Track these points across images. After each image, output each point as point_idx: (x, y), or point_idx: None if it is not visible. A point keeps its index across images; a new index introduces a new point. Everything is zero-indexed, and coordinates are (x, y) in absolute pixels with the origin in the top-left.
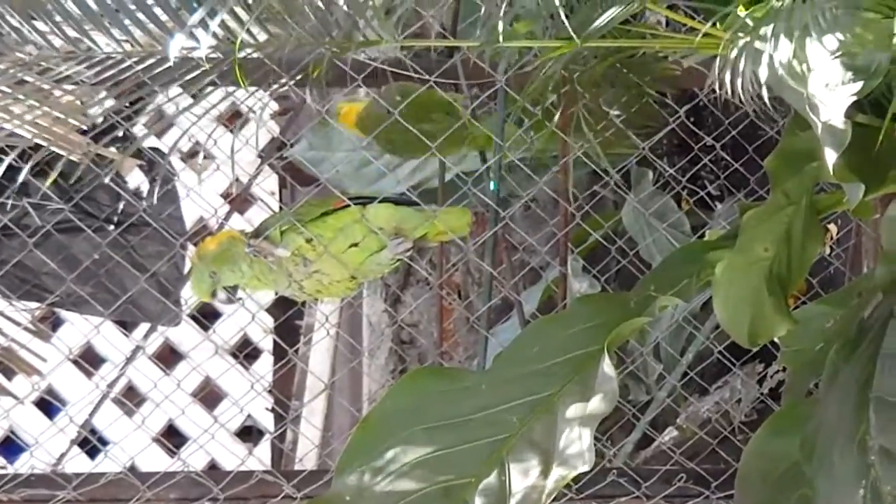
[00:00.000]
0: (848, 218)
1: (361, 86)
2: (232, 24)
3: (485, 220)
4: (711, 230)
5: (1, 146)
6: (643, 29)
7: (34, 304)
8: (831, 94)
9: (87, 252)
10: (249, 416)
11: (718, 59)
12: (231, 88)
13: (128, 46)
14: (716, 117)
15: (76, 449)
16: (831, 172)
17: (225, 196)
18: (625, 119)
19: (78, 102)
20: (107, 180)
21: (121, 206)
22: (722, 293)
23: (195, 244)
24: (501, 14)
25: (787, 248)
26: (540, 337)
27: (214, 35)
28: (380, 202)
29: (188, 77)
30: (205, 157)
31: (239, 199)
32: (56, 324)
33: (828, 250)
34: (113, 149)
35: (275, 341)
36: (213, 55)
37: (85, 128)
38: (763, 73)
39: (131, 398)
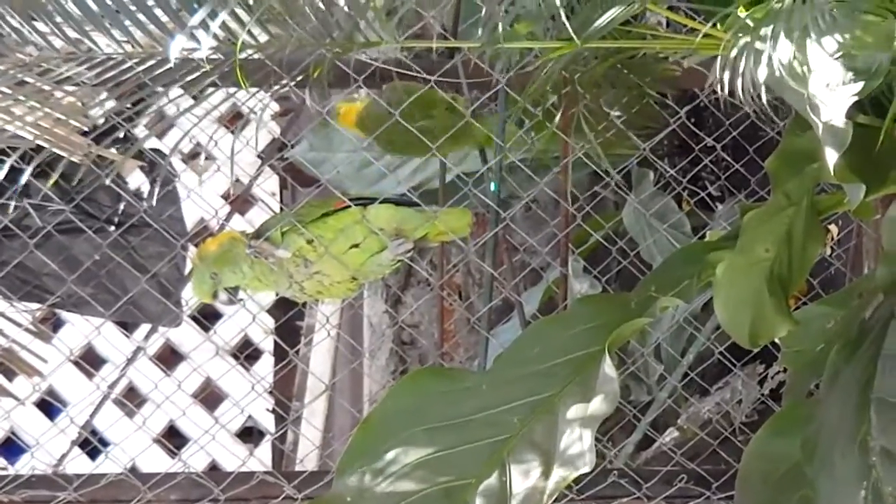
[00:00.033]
0: (849, 218)
1: (362, 86)
2: (233, 25)
3: (486, 221)
4: (712, 231)
5: (2, 147)
6: (644, 30)
7: (35, 305)
8: (832, 94)
9: (87, 253)
10: (250, 416)
11: (719, 59)
12: (232, 89)
13: (128, 47)
14: (716, 118)
15: (77, 450)
16: (832, 173)
17: (226, 197)
18: (625, 120)
19: (79, 104)
20: (108, 181)
21: (121, 207)
22: (723, 294)
23: (196, 245)
24: (502, 15)
25: (788, 249)
26: (541, 337)
27: (215, 36)
28: (380, 203)
29: (189, 78)
30: (206, 159)
31: (240, 200)
32: (57, 325)
33: (828, 251)
34: (114, 150)
35: (275, 342)
36: (213, 56)
37: (86, 129)
38: (763, 74)
39: (132, 399)
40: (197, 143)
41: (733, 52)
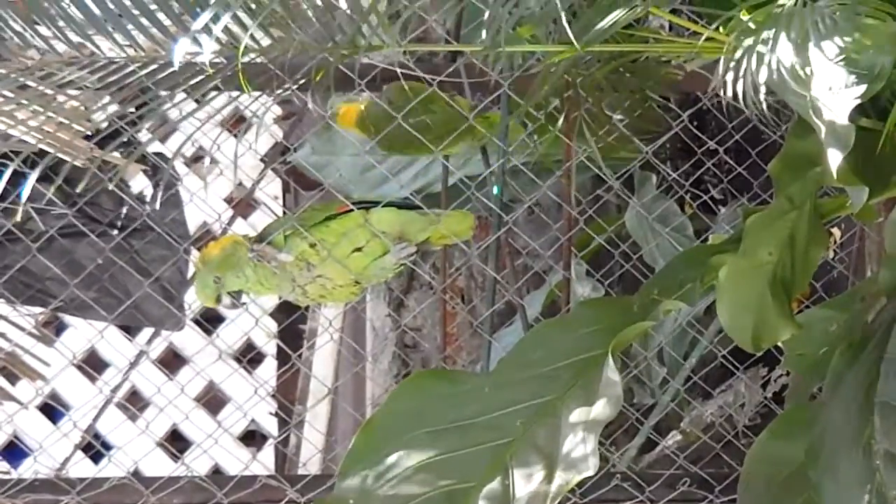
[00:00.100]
0: (851, 222)
1: (365, 90)
2: (235, 29)
3: (488, 225)
4: (715, 234)
5: (5, 151)
6: (646, 33)
7: (38, 309)
8: (834, 97)
9: (90, 257)
10: (253, 420)
11: (721, 63)
12: (234, 93)
13: (131, 51)
14: (719, 121)
15: (80, 454)
16: (835, 176)
17: (228, 200)
18: (628, 123)
19: (82, 108)
20: (111, 186)
21: (124, 210)
22: (726, 298)
23: (199, 249)
24: (505, 18)
25: (791, 253)
26: (543, 341)
27: (218, 40)
28: (383, 206)
29: (192, 82)
30: (209, 162)
31: (242, 204)
32: (60, 328)
33: (831, 254)
34: (117, 154)
35: (278, 346)
36: (216, 60)
37: (89, 133)
38: (765, 77)
39: (135, 403)
40: (200, 146)
41: (736, 56)
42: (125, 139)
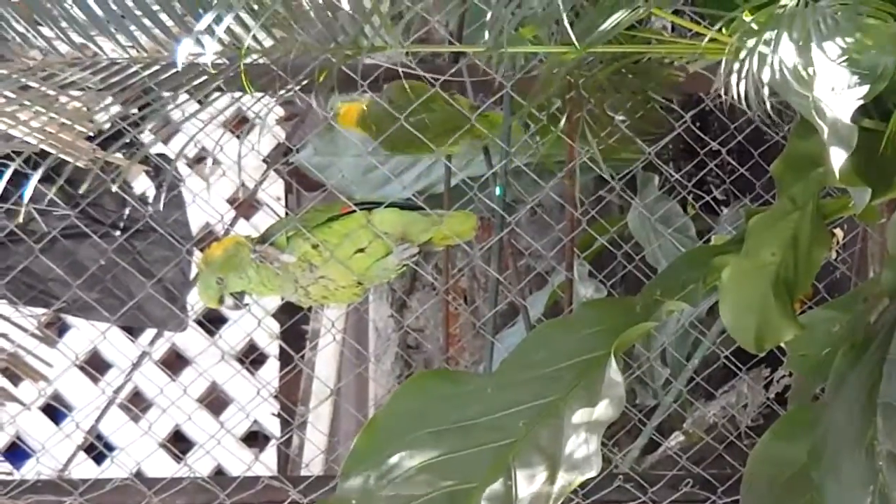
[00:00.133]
0: (854, 222)
1: (367, 91)
2: (238, 30)
3: (491, 226)
4: (717, 235)
5: (7, 152)
6: (648, 34)
7: (40, 310)
8: (837, 98)
9: (93, 257)
10: (256, 421)
11: (724, 63)
12: (237, 94)
13: (133, 52)
14: (721, 122)
15: (82, 455)
16: (837, 177)
17: (231, 201)
18: (630, 124)
19: (84, 108)
20: (114, 187)
21: (127, 211)
22: (729, 298)
23: (201, 250)
24: (507, 19)
25: (794, 254)
26: (546, 341)
27: (220, 41)
28: (386, 207)
29: (194, 83)
30: (211, 163)
31: (245, 205)
32: (62, 329)
33: (834, 255)
34: (119, 155)
35: (281, 347)
36: (218, 61)
37: (91, 134)
38: (768, 78)
39: (137, 404)
40: (202, 147)
41: (738, 57)
42: (128, 140)
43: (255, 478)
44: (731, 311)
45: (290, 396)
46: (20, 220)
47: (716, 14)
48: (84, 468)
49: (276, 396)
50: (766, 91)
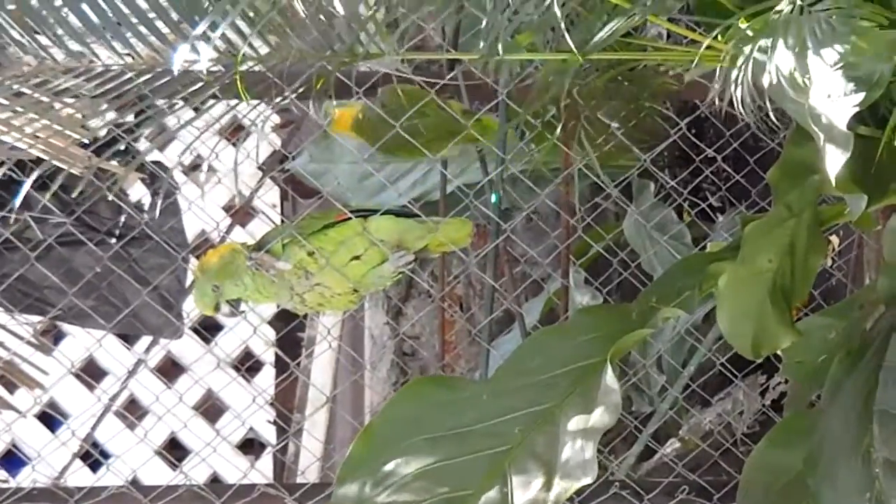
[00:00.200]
0: (850, 229)
1: (362, 97)
2: (233, 37)
3: (486, 233)
4: (713, 242)
5: (2, 160)
6: (644, 42)
7: (36, 318)
8: (833, 105)
9: (88, 265)
10: (251, 428)
11: (719, 71)
12: (233, 102)
13: (129, 59)
14: (717, 129)
15: (78, 462)
16: (833, 184)
17: (227, 209)
18: (625, 132)
19: (79, 116)
20: (109, 195)
21: (122, 219)
22: (726, 305)
23: (197, 257)
24: (503, 26)
25: (791, 261)
26: (542, 348)
27: (216, 48)
28: (381, 215)
29: (190, 90)
30: (207, 171)
31: (241, 212)
32: (58, 337)
33: (829, 262)
34: (115, 162)
35: (276, 354)
36: (214, 68)
37: (86, 141)
38: (764, 85)
39: (133, 411)
40: (198, 155)
41: (734, 64)
42: (123, 148)
43: (251, 485)
44: (728, 318)
45: (286, 404)
46: (14, 226)
47: (711, 22)
48: (80, 476)
49: (271, 404)
50: (761, 98)
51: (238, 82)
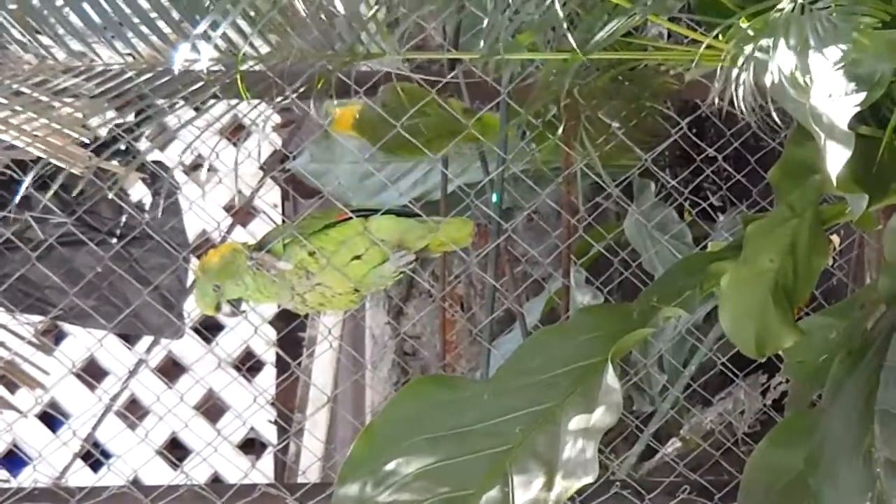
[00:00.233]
0: (850, 229)
1: (363, 97)
2: (234, 36)
3: (487, 232)
4: (714, 241)
5: (5, 160)
6: (645, 41)
7: (37, 318)
8: (834, 104)
9: (89, 265)
10: (252, 428)
11: (720, 70)
12: (233, 101)
13: (129, 59)
14: (718, 128)
15: (79, 462)
16: (834, 184)
17: (227, 209)
18: (627, 131)
19: (79, 115)
20: (110, 195)
21: (123, 219)
22: (728, 305)
23: (198, 257)
24: (504, 26)
25: (793, 260)
26: (543, 348)
27: (217, 47)
28: (382, 214)
29: (191, 89)
30: (208, 170)
31: (241, 212)
32: (59, 337)
33: (830, 261)
34: (115, 162)
35: (277, 354)
36: (215, 68)
37: (87, 141)
38: (765, 85)
39: (134, 411)
40: (199, 154)
41: (735, 63)
42: (124, 147)
43: (252, 485)
44: (730, 318)
45: (287, 403)
46: (16, 226)
47: (712, 21)
48: (81, 476)
49: (272, 403)
50: (762, 98)
51: (239, 82)
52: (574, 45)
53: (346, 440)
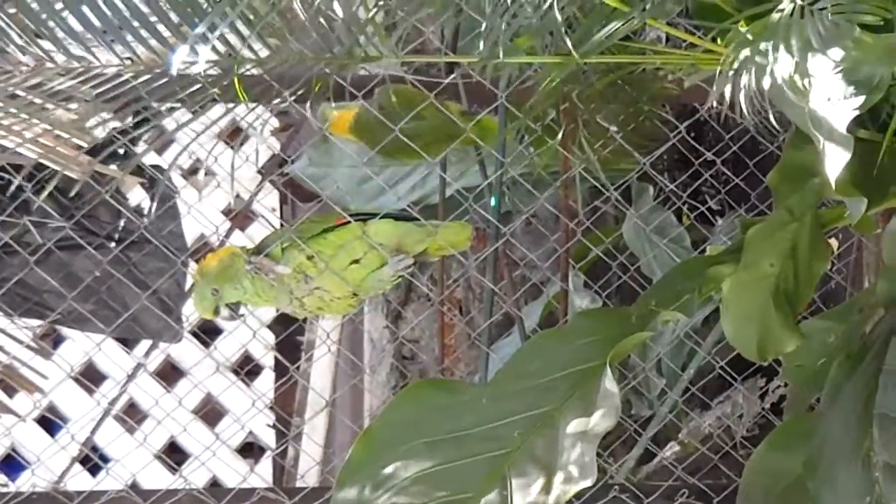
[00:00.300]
0: (849, 232)
1: (361, 100)
2: (233, 39)
3: (486, 236)
4: (712, 245)
5: (2, 164)
6: (643, 45)
7: (35, 322)
8: (833, 108)
9: (88, 269)
10: (251, 432)
11: (719, 74)
12: (231, 104)
13: (127, 61)
14: (716, 132)
15: (78, 466)
16: (833, 188)
17: (226, 212)
18: (625, 135)
19: (74, 117)
20: (107, 197)
21: (122, 223)
22: (730, 309)
23: (196, 261)
24: (502, 29)
25: (794, 264)
26: (541, 351)
27: (215, 50)
28: (381, 218)
29: (188, 92)
30: (205, 174)
31: (240, 216)
32: (57, 341)
33: (829, 265)
34: (113, 166)
35: (276, 358)
36: (213, 71)
37: (85, 145)
38: (763, 88)
39: (133, 415)
40: (197, 158)
41: (733, 67)
42: (122, 150)
43: (251, 489)
44: (732, 322)
45: (286, 407)
46: (14, 231)
47: (710, 25)
48: (79, 480)
49: (271, 407)
50: (761, 101)
51: (237, 85)
52: (572, 48)
53: (345, 444)
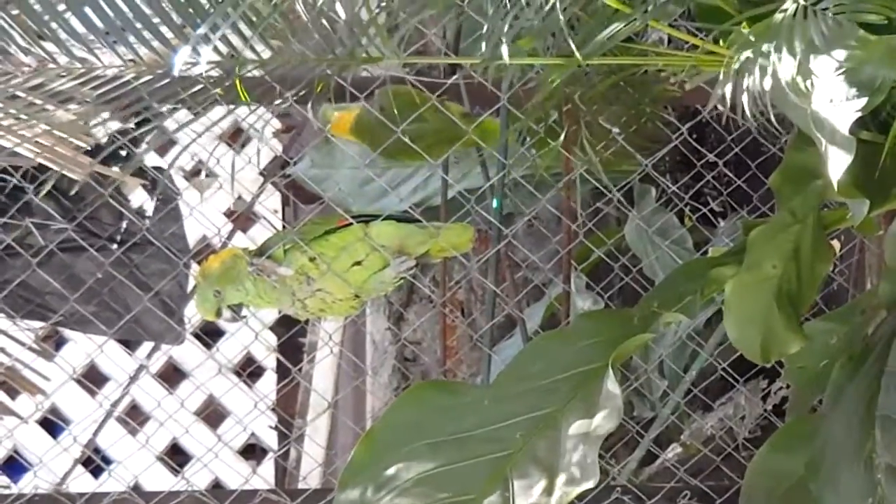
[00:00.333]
0: (851, 234)
1: (363, 101)
2: (235, 40)
3: (488, 238)
4: (714, 247)
5: (4, 166)
6: (645, 47)
7: (38, 324)
8: (835, 110)
9: (90, 271)
10: (253, 434)
11: (721, 76)
12: (233, 106)
13: (129, 62)
14: (718, 134)
15: (80, 468)
16: (835, 189)
17: (228, 214)
18: (627, 137)
19: (76, 118)
20: (109, 199)
21: (124, 225)
22: (733, 311)
23: (198, 262)
24: (504, 31)
25: (796, 266)
26: (543, 353)
27: (217, 51)
28: (383, 220)
29: (190, 93)
30: (207, 176)
31: (242, 218)
32: (59, 343)
33: (831, 267)
34: (115, 168)
35: (278, 359)
36: (215, 72)
37: (87, 146)
38: (766, 90)
39: (135, 417)
40: (199, 160)
41: (735, 69)
42: (123, 151)
43: (253, 491)
44: (735, 325)
45: (288, 409)
46: (17, 232)
47: (713, 27)
48: (82, 482)
49: (273, 409)
50: (763, 103)
51: (239, 86)
52: (574, 49)
53: (347, 446)
